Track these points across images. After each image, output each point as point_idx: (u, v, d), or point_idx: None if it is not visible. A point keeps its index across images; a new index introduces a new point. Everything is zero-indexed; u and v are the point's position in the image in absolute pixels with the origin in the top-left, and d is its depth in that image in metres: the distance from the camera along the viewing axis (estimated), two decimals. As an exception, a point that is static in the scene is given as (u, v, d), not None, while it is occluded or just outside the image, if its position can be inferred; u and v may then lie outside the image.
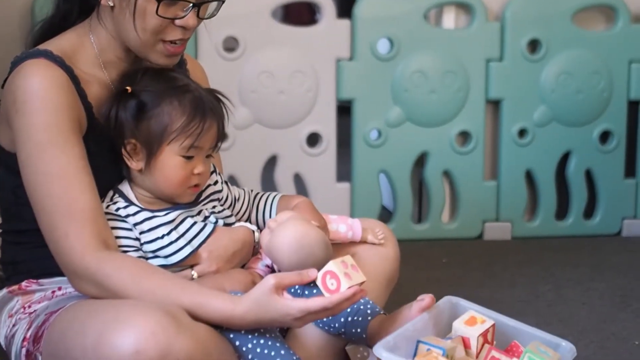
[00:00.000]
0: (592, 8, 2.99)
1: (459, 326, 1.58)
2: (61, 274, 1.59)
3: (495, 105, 2.99)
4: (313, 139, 2.89)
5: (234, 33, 2.76)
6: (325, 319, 1.61)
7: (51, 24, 1.66)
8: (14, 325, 1.60)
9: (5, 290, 1.66)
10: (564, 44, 2.94)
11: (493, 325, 1.59)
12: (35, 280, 1.63)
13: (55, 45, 1.57)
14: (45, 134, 1.49)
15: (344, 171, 2.94)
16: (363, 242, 1.80)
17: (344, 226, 1.79)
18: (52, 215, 1.49)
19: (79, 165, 1.51)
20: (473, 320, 1.59)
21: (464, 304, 1.66)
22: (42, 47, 1.57)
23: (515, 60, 2.93)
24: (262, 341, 1.48)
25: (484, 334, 1.57)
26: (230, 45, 2.79)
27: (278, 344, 1.49)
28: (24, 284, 1.63)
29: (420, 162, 2.98)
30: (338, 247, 1.75)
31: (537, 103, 2.96)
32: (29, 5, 2.65)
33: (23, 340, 1.56)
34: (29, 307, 1.61)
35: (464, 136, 2.97)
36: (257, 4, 2.79)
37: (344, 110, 2.94)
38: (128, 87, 1.58)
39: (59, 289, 1.62)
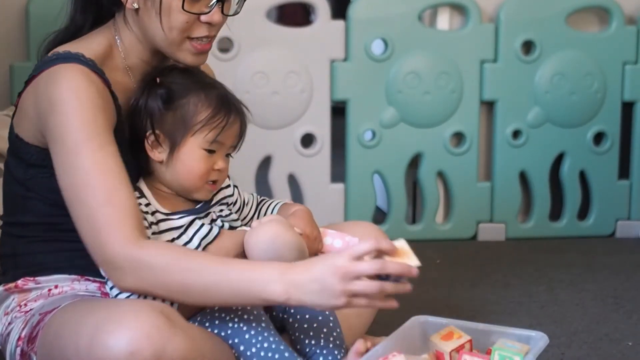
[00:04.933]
0: (586, 10, 2.99)
1: (436, 341, 1.58)
2: (58, 272, 1.60)
3: (489, 106, 2.99)
4: (307, 140, 2.89)
5: (228, 34, 2.75)
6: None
7: (64, 35, 1.66)
8: (9, 324, 1.60)
9: (1, 288, 1.65)
10: (558, 46, 2.94)
11: (470, 341, 1.59)
12: (32, 278, 1.62)
13: (85, 48, 1.57)
14: (83, 131, 1.49)
15: (338, 172, 2.94)
16: None
17: (339, 242, 1.76)
18: (91, 207, 1.47)
19: (116, 162, 1.50)
20: (450, 335, 1.59)
21: (433, 321, 1.66)
22: (73, 49, 1.56)
23: (509, 62, 2.93)
24: (265, 345, 1.49)
25: (457, 349, 1.56)
26: (225, 45, 2.79)
27: (282, 347, 1.50)
28: (20, 282, 1.62)
29: (415, 163, 2.98)
30: None
31: (531, 104, 2.96)
32: (23, 5, 2.64)
33: (18, 339, 1.56)
34: (25, 305, 1.60)
35: (458, 137, 2.97)
36: (251, 4, 2.73)
37: (338, 111, 2.94)
38: (157, 78, 1.60)
39: (56, 287, 1.61)
